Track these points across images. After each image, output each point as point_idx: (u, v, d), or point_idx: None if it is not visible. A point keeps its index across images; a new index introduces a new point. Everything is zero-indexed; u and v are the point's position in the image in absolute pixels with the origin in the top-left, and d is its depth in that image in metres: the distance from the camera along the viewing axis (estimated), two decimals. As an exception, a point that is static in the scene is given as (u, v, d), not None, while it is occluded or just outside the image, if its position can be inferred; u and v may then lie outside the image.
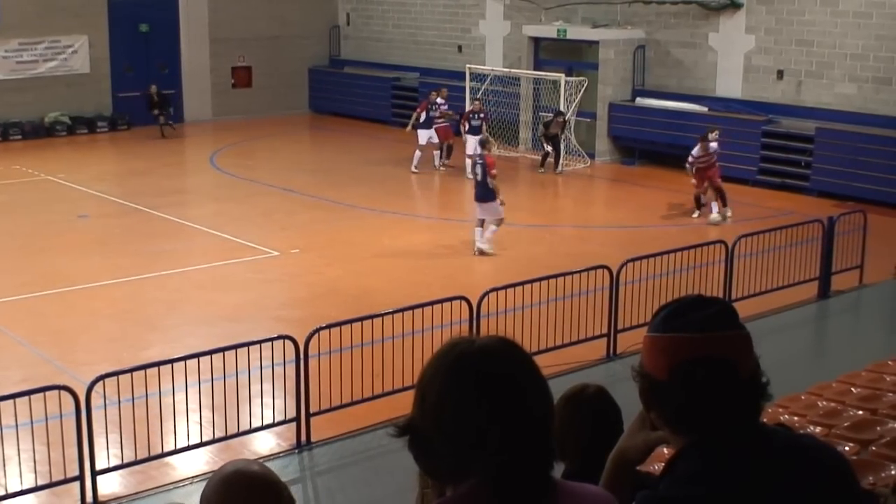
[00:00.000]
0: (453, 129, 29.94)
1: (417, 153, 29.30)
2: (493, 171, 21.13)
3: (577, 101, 30.29)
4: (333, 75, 39.72)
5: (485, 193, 21.22)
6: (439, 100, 30.42)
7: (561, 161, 29.68)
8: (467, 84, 32.29)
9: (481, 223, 21.31)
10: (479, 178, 21.41)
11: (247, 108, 38.43)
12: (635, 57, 30.85)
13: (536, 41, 32.93)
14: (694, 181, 24.25)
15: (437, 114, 30.01)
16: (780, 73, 28.27)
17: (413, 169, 29.15)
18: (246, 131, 35.62)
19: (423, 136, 29.42)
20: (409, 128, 30.06)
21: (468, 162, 28.28)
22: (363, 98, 37.93)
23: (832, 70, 27.28)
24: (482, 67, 33.16)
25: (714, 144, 24.32)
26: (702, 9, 29.57)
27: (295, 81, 39.78)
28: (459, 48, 36.17)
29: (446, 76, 35.13)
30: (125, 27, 36.23)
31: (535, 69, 32.47)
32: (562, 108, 30.28)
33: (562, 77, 30.25)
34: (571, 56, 32.73)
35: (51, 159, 30.82)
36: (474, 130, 28.64)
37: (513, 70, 32.65)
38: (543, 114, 31.10)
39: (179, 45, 37.73)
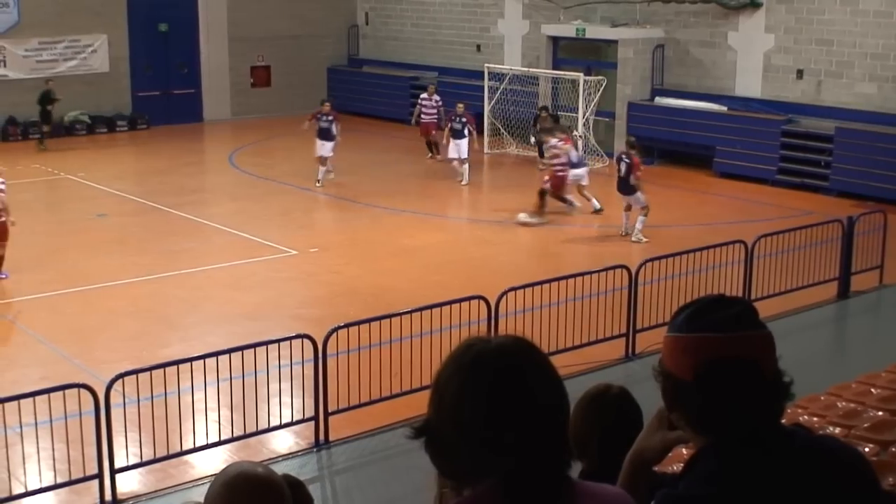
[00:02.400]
0: (437, 127, 30.21)
1: (321, 168, 27.54)
2: (639, 173, 22.03)
3: (595, 100, 30.25)
4: (352, 74, 39.75)
5: (626, 187, 22.20)
6: (424, 96, 31.08)
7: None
8: (486, 83, 32.30)
9: (628, 208, 22.26)
10: (622, 174, 22.15)
11: (265, 107, 38.47)
12: (654, 56, 30.80)
13: (555, 40, 32.93)
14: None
15: (431, 110, 30.81)
16: (800, 73, 28.19)
17: (316, 184, 27.43)
18: (265, 130, 35.65)
19: (320, 146, 27.70)
20: (305, 125, 28.68)
21: (456, 165, 28.05)
22: (381, 97, 37.95)
23: (852, 69, 27.19)
24: (501, 67, 33.15)
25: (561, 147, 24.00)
26: (721, 8, 29.50)
27: (313, 81, 39.78)
28: (478, 47, 36.17)
29: (465, 75, 35.18)
30: (144, 26, 36.33)
31: (553, 68, 32.48)
32: (545, 104, 30.71)
33: (580, 76, 30.23)
34: (590, 55, 32.70)
35: (70, 158, 30.90)
36: (457, 134, 28.21)
37: (531, 69, 32.63)
38: (562, 113, 31.14)
39: (198, 45, 37.81)
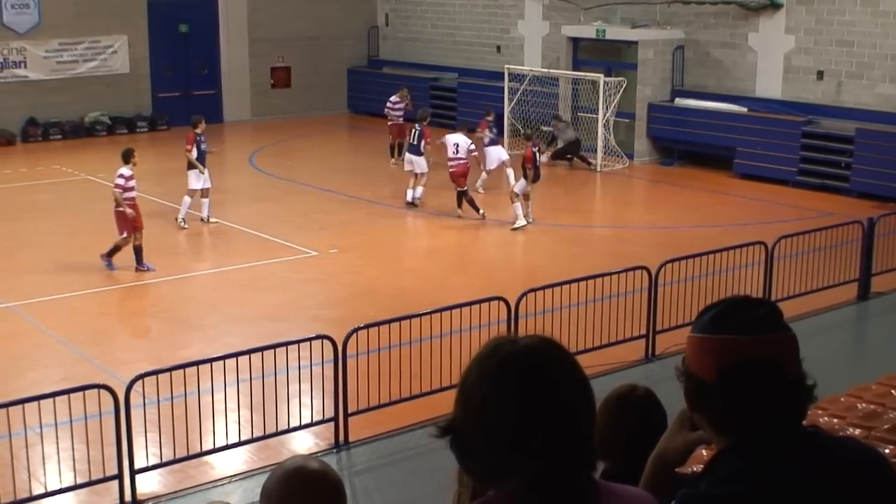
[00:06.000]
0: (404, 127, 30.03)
1: (186, 199, 23.56)
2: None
3: (615, 101, 30.21)
4: (372, 75, 39.74)
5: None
6: (394, 98, 31.03)
7: (600, 158, 29.65)
8: (506, 84, 32.27)
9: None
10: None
11: (285, 108, 38.54)
12: (674, 57, 30.75)
13: (575, 41, 32.88)
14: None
15: (398, 111, 30.79)
16: (820, 74, 28.11)
17: (180, 222, 23.39)
18: (285, 131, 35.70)
19: (193, 178, 23.60)
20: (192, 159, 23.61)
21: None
22: (401, 98, 37.93)
23: (873, 70, 27.11)
24: (521, 68, 33.13)
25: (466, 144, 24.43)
26: (741, 9, 29.44)
27: (333, 82, 39.85)
28: (498, 48, 36.15)
29: (485, 76, 35.18)
30: (165, 27, 36.40)
31: (573, 69, 32.42)
32: (559, 113, 30.92)
33: (601, 77, 30.19)
34: (610, 56, 32.65)
35: (90, 159, 30.96)
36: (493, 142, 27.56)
37: (551, 70, 32.59)
38: (582, 114, 31.14)
39: (219, 46, 37.86)
